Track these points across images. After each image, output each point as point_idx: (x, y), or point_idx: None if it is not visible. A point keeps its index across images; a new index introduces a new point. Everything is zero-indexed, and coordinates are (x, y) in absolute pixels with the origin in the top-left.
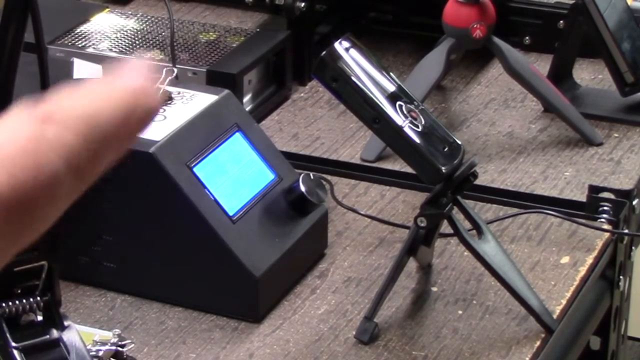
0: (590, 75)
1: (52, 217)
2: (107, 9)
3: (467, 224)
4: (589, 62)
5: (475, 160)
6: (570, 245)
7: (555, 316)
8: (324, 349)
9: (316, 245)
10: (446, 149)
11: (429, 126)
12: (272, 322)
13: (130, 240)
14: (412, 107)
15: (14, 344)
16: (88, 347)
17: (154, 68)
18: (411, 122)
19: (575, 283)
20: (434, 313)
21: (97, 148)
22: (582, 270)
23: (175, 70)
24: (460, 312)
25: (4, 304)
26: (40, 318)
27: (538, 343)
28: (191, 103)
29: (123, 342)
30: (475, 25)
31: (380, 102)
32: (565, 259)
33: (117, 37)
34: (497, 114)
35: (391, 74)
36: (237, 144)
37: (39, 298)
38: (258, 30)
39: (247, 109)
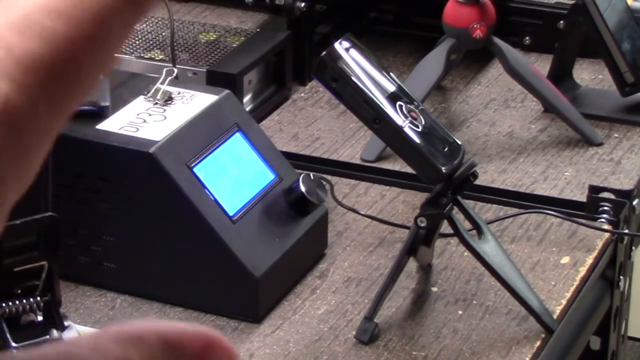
0: (590, 75)
1: (102, 68)
2: None
3: (467, 224)
4: (589, 62)
5: (475, 161)
6: (571, 246)
7: (555, 316)
8: (324, 349)
9: (316, 245)
10: (446, 149)
11: (429, 126)
12: (272, 322)
13: (130, 240)
14: (412, 107)
15: (14, 344)
16: None
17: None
18: (411, 122)
19: (576, 283)
20: (434, 313)
21: None
22: (582, 271)
23: (176, 70)
24: (460, 312)
25: (4, 304)
26: (40, 318)
27: (538, 343)
28: (191, 103)
29: None
30: (475, 26)
31: (381, 102)
32: (565, 259)
33: None
34: (497, 114)
35: (391, 74)
36: (237, 144)
37: (39, 298)
38: (258, 30)
39: (247, 109)
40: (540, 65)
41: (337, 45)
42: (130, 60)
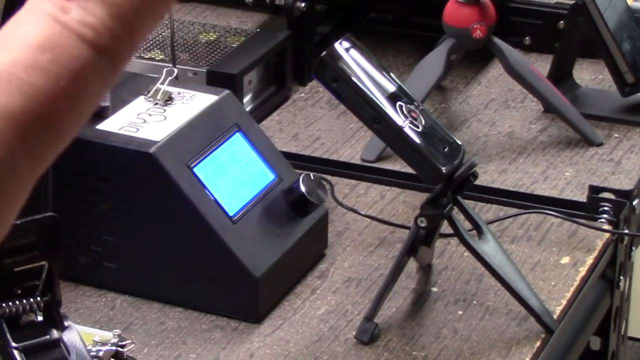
0: (590, 75)
1: (80, 121)
2: None
3: (467, 224)
4: (589, 63)
5: (475, 161)
6: (571, 246)
7: (555, 316)
8: (324, 349)
9: (316, 245)
10: (446, 149)
11: (429, 126)
12: (272, 323)
13: (130, 240)
14: (412, 107)
15: (14, 344)
16: (88, 347)
17: None
18: (411, 123)
19: (576, 283)
20: (434, 313)
21: (133, 14)
22: (582, 271)
23: (176, 70)
24: (460, 312)
25: (4, 304)
26: (40, 318)
27: (538, 343)
28: (191, 103)
29: (123, 343)
30: (475, 26)
31: (381, 103)
32: (565, 259)
33: None
34: (497, 114)
35: (391, 74)
36: (237, 144)
37: (39, 298)
38: (258, 30)
39: (247, 109)
40: (540, 65)
41: (337, 45)
42: (131, 61)
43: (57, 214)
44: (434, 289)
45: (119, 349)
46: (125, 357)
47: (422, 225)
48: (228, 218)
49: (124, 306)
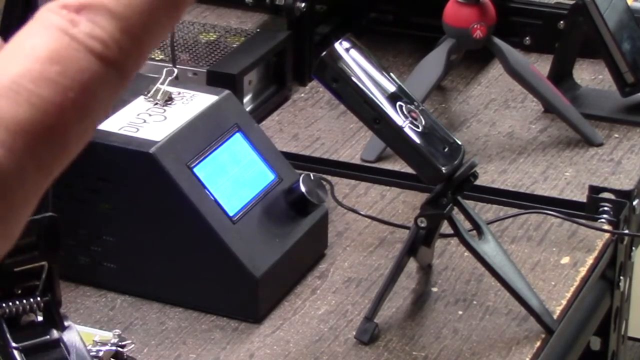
0: (590, 75)
1: (88, 133)
2: None
3: (467, 225)
4: (589, 63)
5: (475, 161)
6: (571, 246)
7: (555, 316)
8: (324, 350)
9: (316, 245)
10: (446, 150)
11: (429, 126)
12: (272, 323)
13: (130, 240)
14: (412, 107)
15: (14, 344)
16: (88, 347)
17: None
18: (411, 123)
19: (576, 283)
20: (434, 313)
21: (141, 28)
22: (583, 271)
23: (176, 70)
24: (460, 312)
25: (4, 304)
26: (40, 318)
27: (538, 343)
28: (191, 103)
29: (123, 343)
30: (475, 26)
31: (381, 103)
32: (565, 260)
33: None
34: (498, 115)
35: (391, 74)
36: (237, 144)
37: (39, 298)
38: (258, 30)
39: (248, 109)
40: (540, 66)
41: (337, 45)
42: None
43: (57, 214)
44: (434, 289)
45: (119, 349)
46: (125, 357)
47: (422, 225)
48: (228, 218)
49: (124, 306)
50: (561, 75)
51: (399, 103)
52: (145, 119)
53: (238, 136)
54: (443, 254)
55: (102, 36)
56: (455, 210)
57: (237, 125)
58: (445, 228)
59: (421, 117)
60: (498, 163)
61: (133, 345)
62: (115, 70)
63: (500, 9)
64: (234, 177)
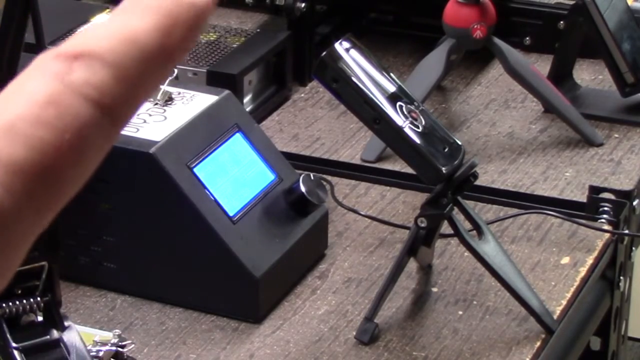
0: (590, 75)
1: (84, 176)
2: (108, 10)
3: (467, 225)
4: (589, 63)
5: (475, 161)
6: (571, 246)
7: (555, 317)
8: (325, 350)
9: (316, 245)
10: (446, 150)
11: (429, 127)
12: (272, 323)
13: (130, 240)
14: (412, 107)
15: (14, 345)
16: (88, 347)
17: None
18: (411, 123)
19: (576, 284)
20: (434, 314)
21: (135, 77)
22: (583, 271)
23: (176, 70)
24: (460, 312)
25: (4, 304)
26: (40, 318)
27: (538, 344)
28: (191, 103)
29: (123, 343)
30: (475, 26)
31: (381, 103)
32: (565, 260)
33: None
34: (498, 115)
35: (391, 74)
36: (237, 144)
37: (39, 298)
38: (258, 30)
39: (248, 109)
40: (540, 66)
41: (337, 45)
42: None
43: (57, 214)
44: (434, 289)
45: (119, 349)
46: (125, 357)
47: (422, 225)
48: (228, 218)
49: (124, 306)
50: (561, 75)
51: (399, 103)
52: (145, 119)
53: (238, 136)
54: (443, 254)
55: (98, 83)
56: (455, 210)
57: (237, 126)
58: (445, 228)
59: (421, 117)
60: (498, 163)
61: (133, 345)
62: (109, 117)
63: (500, 9)
64: (234, 177)
